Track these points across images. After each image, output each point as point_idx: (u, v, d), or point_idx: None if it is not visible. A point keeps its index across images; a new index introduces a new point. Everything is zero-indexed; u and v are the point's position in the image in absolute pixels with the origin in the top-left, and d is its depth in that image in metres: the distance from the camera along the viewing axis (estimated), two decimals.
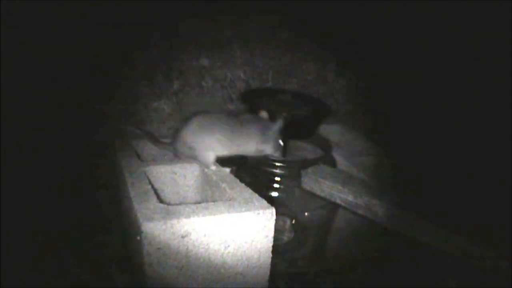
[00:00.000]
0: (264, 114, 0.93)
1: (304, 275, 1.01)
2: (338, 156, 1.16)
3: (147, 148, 1.12)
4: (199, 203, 0.70)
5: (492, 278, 0.73)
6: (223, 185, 0.80)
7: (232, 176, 0.85)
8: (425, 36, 1.32)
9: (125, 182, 0.79)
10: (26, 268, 0.90)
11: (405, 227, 0.84)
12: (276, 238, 0.73)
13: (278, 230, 0.88)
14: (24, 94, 1.05)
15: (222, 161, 0.92)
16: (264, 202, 0.72)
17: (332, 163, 1.13)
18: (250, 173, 1.05)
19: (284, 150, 0.99)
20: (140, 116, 1.26)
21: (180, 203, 0.71)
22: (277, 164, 1.03)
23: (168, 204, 0.69)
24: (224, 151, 0.88)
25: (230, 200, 0.74)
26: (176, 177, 0.92)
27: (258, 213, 0.69)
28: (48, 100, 1.08)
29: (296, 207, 1.06)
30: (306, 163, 1.04)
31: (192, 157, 0.89)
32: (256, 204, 0.71)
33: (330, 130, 1.37)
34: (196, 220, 0.64)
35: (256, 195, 0.76)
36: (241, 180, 0.83)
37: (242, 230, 0.68)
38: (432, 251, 0.80)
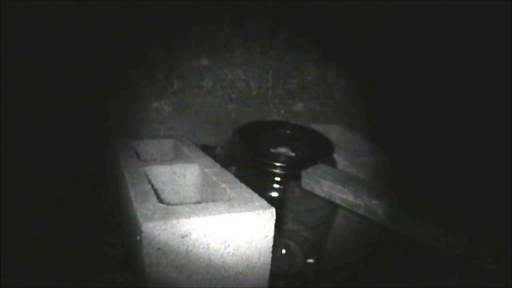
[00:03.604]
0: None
1: (304, 275, 1.01)
2: (338, 156, 1.16)
3: (147, 148, 1.12)
4: (199, 203, 0.70)
5: (492, 277, 0.73)
6: (223, 185, 0.80)
7: (232, 176, 0.85)
8: (426, 36, 1.32)
9: (125, 182, 0.79)
10: (26, 268, 0.90)
11: (405, 227, 0.84)
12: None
13: None
14: (24, 94, 1.05)
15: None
16: (264, 202, 0.72)
17: (332, 163, 1.13)
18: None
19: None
20: (140, 116, 1.26)
21: (180, 203, 0.71)
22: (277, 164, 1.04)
23: (168, 204, 0.69)
24: None
25: (230, 200, 0.74)
26: (176, 177, 0.92)
27: (258, 213, 0.69)
28: (48, 100, 1.08)
29: (296, 207, 1.06)
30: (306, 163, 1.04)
31: None
32: (256, 204, 0.71)
33: (330, 130, 1.37)
34: (196, 220, 0.64)
35: (256, 195, 0.75)
36: (241, 180, 0.83)
37: (242, 230, 0.68)
38: (432, 251, 0.80)
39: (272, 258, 0.73)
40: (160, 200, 0.72)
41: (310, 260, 1.07)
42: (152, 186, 0.78)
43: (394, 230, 0.86)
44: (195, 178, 0.94)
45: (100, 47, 1.12)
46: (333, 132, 1.37)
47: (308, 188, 0.99)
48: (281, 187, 1.05)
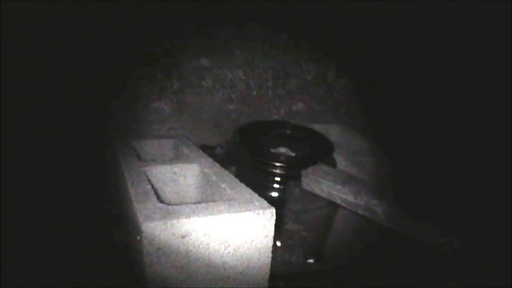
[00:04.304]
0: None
1: (304, 275, 1.01)
2: (338, 156, 1.16)
3: (147, 148, 1.12)
4: (199, 203, 0.70)
5: (491, 277, 0.73)
6: (223, 185, 0.80)
7: (232, 176, 0.85)
8: (426, 36, 1.32)
9: (125, 182, 0.79)
10: (26, 268, 0.90)
11: (405, 227, 0.84)
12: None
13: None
14: (24, 94, 1.05)
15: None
16: (264, 202, 0.72)
17: (332, 163, 1.13)
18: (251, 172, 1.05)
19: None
20: (140, 116, 1.26)
21: (180, 203, 0.71)
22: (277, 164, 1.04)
23: (168, 204, 0.69)
24: None
25: (230, 200, 0.74)
26: (176, 177, 0.92)
27: (258, 213, 0.69)
28: (48, 100, 1.08)
29: (296, 207, 1.06)
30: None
31: None
32: (256, 204, 0.71)
33: (330, 130, 1.37)
34: (196, 220, 0.64)
35: (256, 195, 0.75)
36: (241, 180, 0.83)
37: (242, 230, 0.68)
38: (432, 251, 0.80)
39: (272, 258, 0.73)
40: (160, 200, 0.72)
41: (310, 260, 1.07)
42: (152, 186, 0.78)
43: (394, 230, 0.86)
44: (195, 178, 0.94)
45: (100, 47, 1.12)
46: (333, 132, 1.37)
47: (308, 188, 0.99)
48: (281, 187, 1.05)
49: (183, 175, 0.93)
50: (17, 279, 0.86)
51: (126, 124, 1.24)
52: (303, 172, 1.00)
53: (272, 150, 1.17)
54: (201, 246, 0.65)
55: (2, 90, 0.99)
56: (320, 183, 0.96)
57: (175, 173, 0.92)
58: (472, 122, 1.23)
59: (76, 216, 1.08)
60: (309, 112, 1.48)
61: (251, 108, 1.40)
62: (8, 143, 1.00)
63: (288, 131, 1.27)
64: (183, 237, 0.63)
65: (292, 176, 1.04)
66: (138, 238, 0.62)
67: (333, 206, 1.03)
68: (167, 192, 0.92)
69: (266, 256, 0.72)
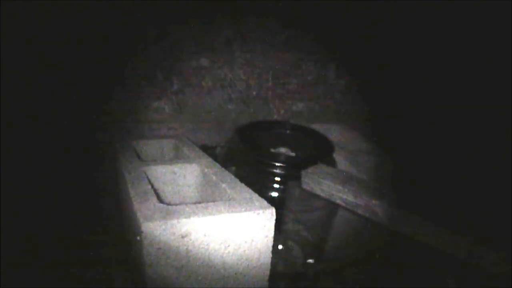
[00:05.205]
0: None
1: (304, 275, 1.01)
2: (338, 156, 1.16)
3: (147, 148, 1.12)
4: (199, 203, 0.70)
5: (492, 278, 0.73)
6: (223, 185, 0.80)
7: (232, 176, 0.85)
8: (426, 36, 1.32)
9: (125, 182, 0.79)
10: (26, 268, 0.90)
11: (405, 227, 0.84)
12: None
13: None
14: (24, 94, 1.05)
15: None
16: (264, 202, 0.72)
17: (332, 163, 1.13)
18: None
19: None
20: (140, 116, 1.26)
21: (180, 203, 0.71)
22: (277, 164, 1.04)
23: (168, 204, 0.69)
24: None
25: (230, 200, 0.74)
26: (176, 177, 0.92)
27: (258, 213, 0.69)
28: (48, 100, 1.09)
29: (296, 207, 1.06)
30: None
31: None
32: (256, 204, 0.71)
33: (330, 130, 1.37)
34: (196, 220, 0.64)
35: (256, 195, 0.75)
36: (241, 180, 0.83)
37: (242, 230, 0.68)
38: (432, 251, 0.80)
39: (272, 258, 0.73)
40: (160, 200, 0.72)
41: (310, 260, 1.07)
42: (152, 186, 0.78)
43: (394, 230, 0.86)
44: (195, 178, 0.94)
45: (100, 47, 1.12)
46: (333, 132, 1.37)
47: (308, 188, 0.99)
48: (281, 187, 1.05)
49: (183, 175, 0.93)
50: (17, 279, 0.86)
51: (126, 124, 1.24)
52: (303, 172, 1.00)
53: (272, 150, 1.17)
54: (201, 246, 0.65)
55: (2, 90, 0.99)
56: (320, 183, 0.96)
57: (175, 173, 0.92)
58: (472, 122, 1.23)
59: (76, 216, 1.08)
60: (309, 112, 1.48)
61: (251, 108, 1.40)
62: (8, 143, 1.00)
63: (288, 131, 1.27)
64: (183, 237, 0.63)
65: (292, 176, 1.04)
66: (138, 238, 0.62)
67: (333, 206, 1.03)
68: (167, 192, 0.92)
69: (266, 256, 0.72)
